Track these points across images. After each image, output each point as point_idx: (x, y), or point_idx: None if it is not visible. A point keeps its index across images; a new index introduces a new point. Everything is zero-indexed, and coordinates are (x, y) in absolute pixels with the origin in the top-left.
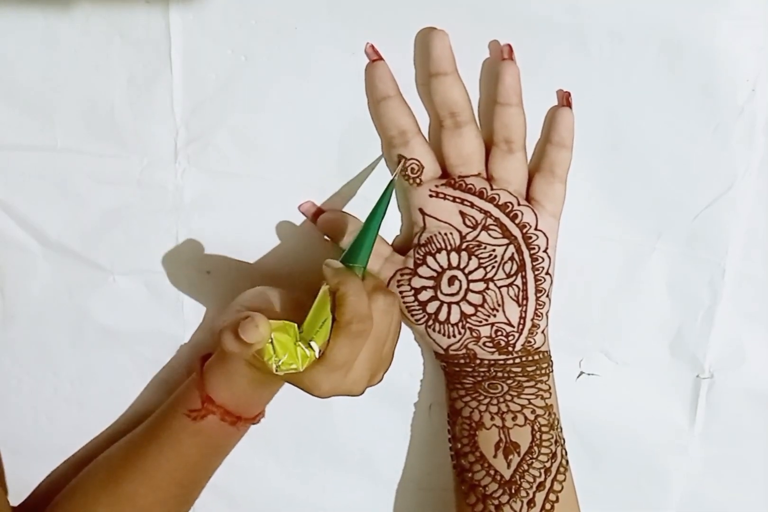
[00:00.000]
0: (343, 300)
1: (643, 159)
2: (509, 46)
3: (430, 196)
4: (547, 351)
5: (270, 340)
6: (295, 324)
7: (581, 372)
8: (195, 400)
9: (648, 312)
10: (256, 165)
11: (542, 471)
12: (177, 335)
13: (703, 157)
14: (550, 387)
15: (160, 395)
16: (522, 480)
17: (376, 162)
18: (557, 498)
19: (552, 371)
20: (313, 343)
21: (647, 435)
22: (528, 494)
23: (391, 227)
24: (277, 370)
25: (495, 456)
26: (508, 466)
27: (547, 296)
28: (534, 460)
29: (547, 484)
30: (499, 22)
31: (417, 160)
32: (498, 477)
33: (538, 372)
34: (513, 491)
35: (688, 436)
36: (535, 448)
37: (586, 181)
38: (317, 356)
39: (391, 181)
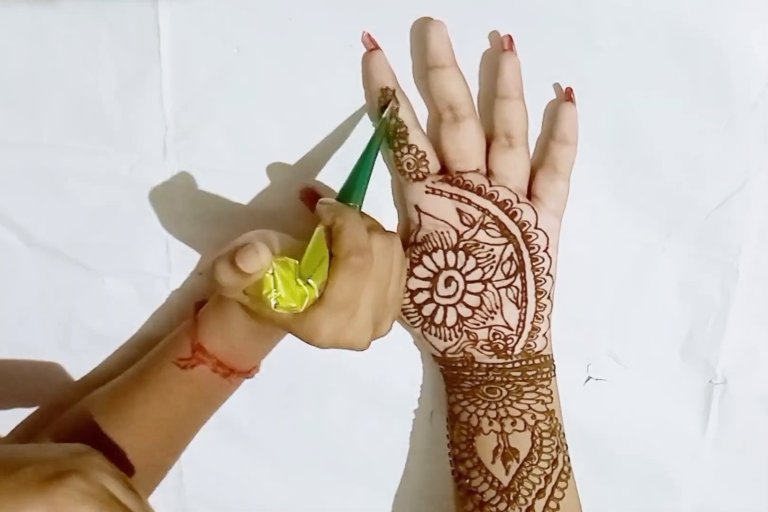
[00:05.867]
0: (341, 232)
1: (653, 156)
2: (509, 37)
3: (427, 192)
4: (549, 355)
5: (271, 271)
6: (297, 261)
7: (589, 377)
8: (185, 348)
9: (658, 315)
10: (249, 162)
11: (542, 477)
12: None
13: (714, 154)
14: (551, 392)
15: None
16: (521, 487)
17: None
18: (558, 505)
19: (554, 375)
20: (311, 281)
21: (657, 442)
22: (527, 501)
23: (387, 225)
24: (275, 307)
25: (493, 462)
26: (507, 473)
27: (549, 298)
28: (534, 466)
29: (547, 491)
30: (505, 15)
31: (415, 147)
32: (496, 484)
33: (539, 376)
34: (511, 498)
35: (699, 443)
36: (535, 454)
37: (593, 179)
38: (317, 295)
39: (383, 118)
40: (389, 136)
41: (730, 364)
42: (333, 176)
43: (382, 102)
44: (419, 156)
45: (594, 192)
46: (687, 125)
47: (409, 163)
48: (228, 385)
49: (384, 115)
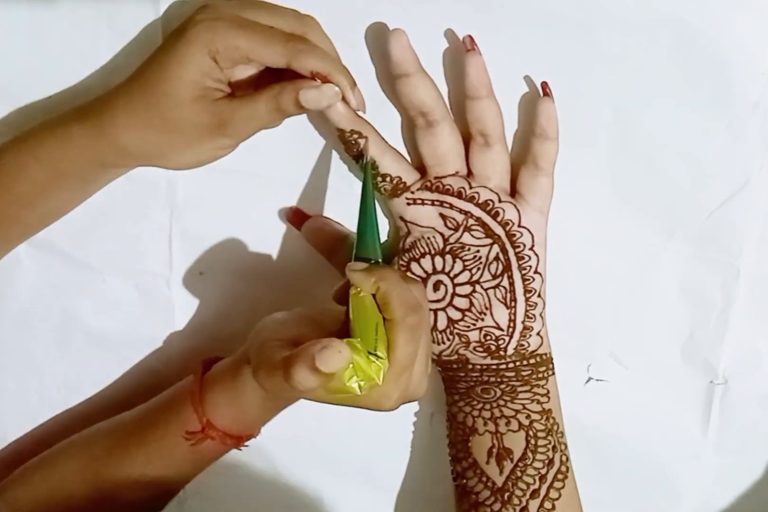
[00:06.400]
0: (390, 297)
1: (654, 156)
2: (470, 37)
3: (408, 204)
4: (545, 354)
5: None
6: (359, 339)
7: (589, 378)
8: (192, 421)
9: (659, 316)
10: (251, 161)
11: (537, 478)
12: (167, 339)
13: (716, 154)
14: (548, 392)
15: None
16: (515, 487)
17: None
18: (553, 505)
19: (552, 374)
20: (379, 353)
21: (658, 443)
22: (521, 502)
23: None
24: (361, 392)
25: (488, 463)
26: (501, 473)
27: (539, 296)
28: (528, 467)
29: (542, 492)
30: (508, 16)
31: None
32: (490, 484)
33: (534, 376)
34: (505, 498)
35: (700, 444)
36: (530, 454)
37: (593, 179)
38: (388, 364)
39: (366, 164)
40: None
41: (731, 365)
42: (334, 175)
43: (352, 145)
44: (395, 181)
45: (595, 192)
46: (688, 125)
47: (386, 189)
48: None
49: (366, 164)
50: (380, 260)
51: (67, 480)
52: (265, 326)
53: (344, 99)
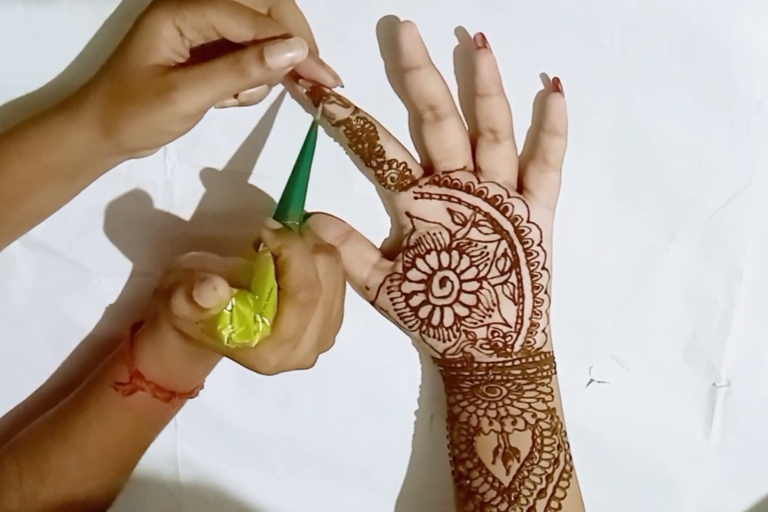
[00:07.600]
0: (288, 267)
1: (656, 155)
2: (482, 34)
3: (416, 197)
4: (549, 352)
5: (230, 308)
6: (255, 296)
7: (591, 380)
8: (123, 373)
9: (661, 317)
10: (250, 161)
11: (543, 477)
12: None
13: (718, 153)
14: (552, 390)
15: None
16: (522, 487)
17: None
18: (560, 505)
19: (555, 373)
20: (265, 318)
21: (660, 445)
22: (528, 501)
23: (379, 231)
24: (228, 342)
25: (494, 463)
26: (507, 473)
27: (546, 293)
28: (535, 466)
29: (549, 491)
30: (509, 13)
31: (395, 160)
32: (497, 484)
33: (539, 374)
34: (512, 498)
35: (703, 447)
36: (536, 454)
37: (595, 179)
38: (269, 332)
39: (314, 122)
40: (364, 156)
41: (734, 367)
42: (333, 175)
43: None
44: (401, 168)
45: (597, 193)
46: (691, 124)
47: (392, 178)
48: (170, 408)
49: (314, 122)
50: (298, 223)
51: (18, 465)
52: (184, 257)
53: (335, 95)
